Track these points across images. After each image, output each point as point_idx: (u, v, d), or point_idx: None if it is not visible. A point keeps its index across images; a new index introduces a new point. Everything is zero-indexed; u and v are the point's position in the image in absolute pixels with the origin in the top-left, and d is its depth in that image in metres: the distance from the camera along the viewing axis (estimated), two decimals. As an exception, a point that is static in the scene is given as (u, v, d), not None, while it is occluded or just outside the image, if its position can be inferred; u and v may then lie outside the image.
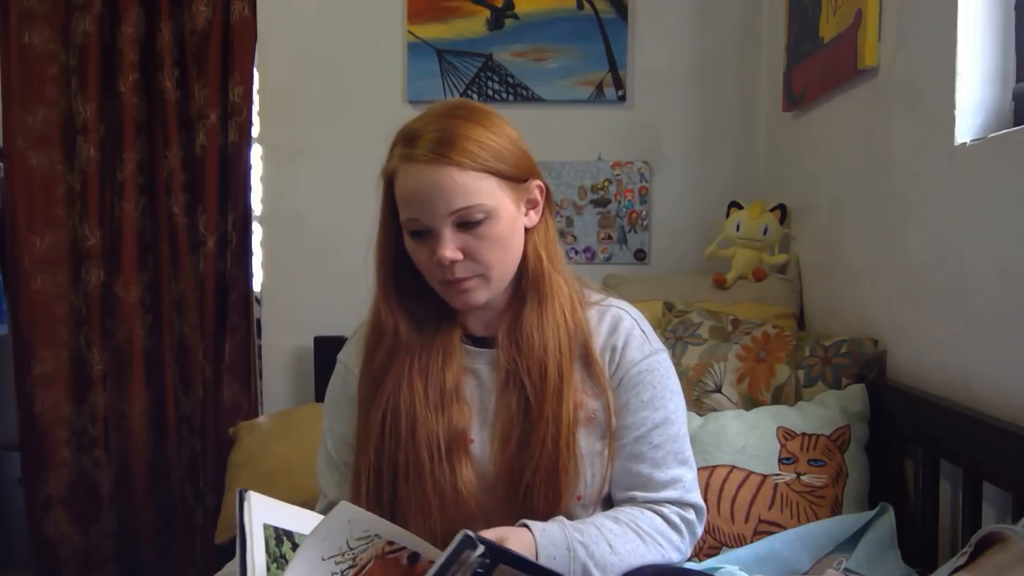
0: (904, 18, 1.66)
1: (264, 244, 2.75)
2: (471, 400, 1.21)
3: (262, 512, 0.97)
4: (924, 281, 1.58)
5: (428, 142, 1.11)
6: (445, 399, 1.18)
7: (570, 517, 1.17)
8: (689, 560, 1.27)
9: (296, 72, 2.69)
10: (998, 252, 1.34)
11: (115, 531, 2.70)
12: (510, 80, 2.65)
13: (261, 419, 2.57)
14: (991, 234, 1.37)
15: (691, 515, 1.23)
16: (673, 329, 2.00)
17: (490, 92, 2.65)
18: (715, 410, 1.81)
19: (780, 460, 1.63)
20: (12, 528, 3.04)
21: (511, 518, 1.15)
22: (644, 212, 2.66)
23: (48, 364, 2.65)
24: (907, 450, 1.66)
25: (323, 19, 2.69)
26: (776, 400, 1.80)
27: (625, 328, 1.23)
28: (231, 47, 2.62)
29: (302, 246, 2.71)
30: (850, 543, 1.50)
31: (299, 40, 2.69)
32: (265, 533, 0.96)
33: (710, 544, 1.59)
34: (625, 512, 1.19)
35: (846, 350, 1.77)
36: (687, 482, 1.23)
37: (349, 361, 1.28)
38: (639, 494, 1.21)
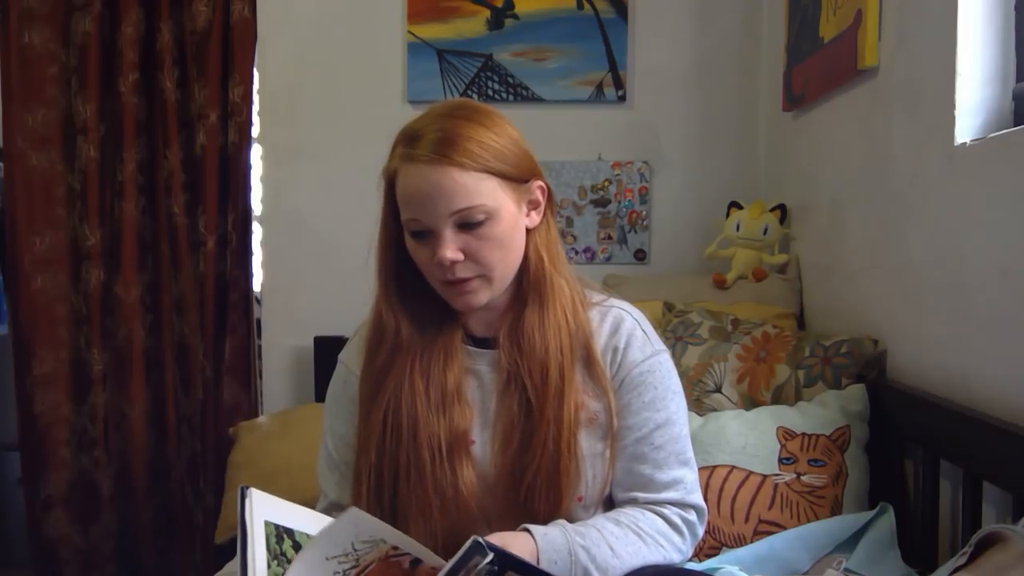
0: (904, 18, 1.66)
1: (264, 244, 2.75)
2: (472, 401, 1.21)
3: (263, 509, 0.97)
4: (924, 281, 1.58)
5: (429, 142, 1.11)
6: (446, 400, 1.18)
7: (571, 518, 1.17)
8: (689, 560, 1.26)
9: (296, 72, 2.69)
10: (998, 252, 1.34)
11: (115, 531, 2.70)
12: (510, 80, 2.65)
13: (261, 419, 2.57)
14: (991, 234, 1.37)
15: (692, 516, 1.23)
16: (673, 329, 2.00)
17: (490, 92, 2.65)
18: (715, 410, 1.81)
19: (780, 460, 1.63)
20: (12, 528, 3.04)
21: (512, 519, 1.15)
22: (644, 212, 2.66)
23: (48, 364, 2.65)
24: (907, 450, 1.66)
25: (323, 19, 2.69)
26: (776, 400, 1.80)
27: (627, 329, 1.23)
28: (231, 47, 2.62)
29: (302, 246, 2.71)
30: (850, 543, 1.50)
31: (299, 40, 2.69)
32: (266, 530, 0.96)
33: (710, 544, 1.59)
34: (626, 514, 1.19)
35: (846, 350, 1.78)
36: (688, 483, 1.23)
37: (350, 361, 1.28)
38: (640, 495, 1.21)
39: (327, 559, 0.91)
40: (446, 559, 0.90)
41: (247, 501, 0.96)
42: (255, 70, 2.66)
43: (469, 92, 2.65)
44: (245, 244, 2.68)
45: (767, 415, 1.70)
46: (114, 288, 2.66)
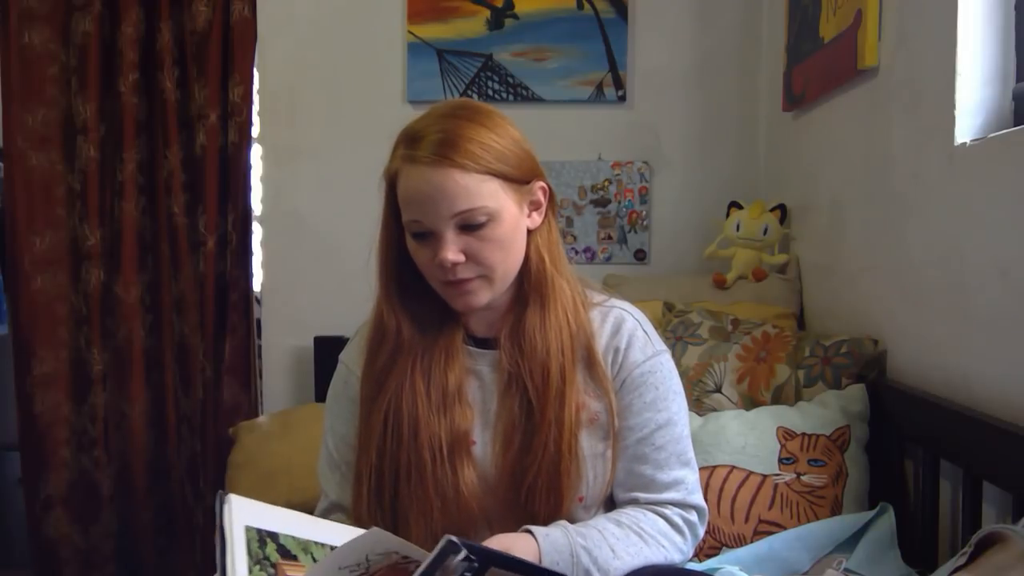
0: (904, 18, 1.66)
1: (264, 244, 2.74)
2: (473, 401, 1.21)
3: (243, 514, 0.97)
4: (924, 281, 1.58)
5: (431, 143, 1.11)
6: (447, 400, 1.18)
7: (572, 519, 1.18)
8: (689, 561, 1.27)
9: (296, 72, 2.69)
10: (998, 252, 1.34)
11: (115, 531, 2.70)
12: (510, 80, 2.65)
13: (261, 419, 2.57)
14: (991, 234, 1.37)
15: (693, 516, 1.23)
16: (673, 329, 2.00)
17: (490, 92, 2.65)
18: (715, 410, 1.81)
19: (780, 460, 1.63)
20: (12, 528, 3.04)
21: (513, 520, 1.15)
22: (644, 212, 2.66)
23: (48, 364, 2.65)
24: (907, 450, 1.66)
25: (323, 19, 2.69)
26: (776, 400, 1.80)
27: (628, 329, 1.23)
28: (231, 47, 2.62)
29: (302, 246, 2.71)
30: (850, 543, 1.50)
31: (299, 40, 2.69)
32: (247, 535, 0.96)
33: (710, 544, 1.59)
34: (627, 514, 1.19)
35: (846, 350, 1.78)
36: (689, 483, 1.23)
37: (351, 361, 1.28)
38: (641, 495, 1.21)
39: (340, 568, 0.91)
40: None
41: (225, 507, 0.96)
42: (255, 70, 2.66)
43: (469, 92, 2.65)
44: (245, 244, 2.67)
45: (767, 415, 1.70)
46: (114, 288, 2.66)
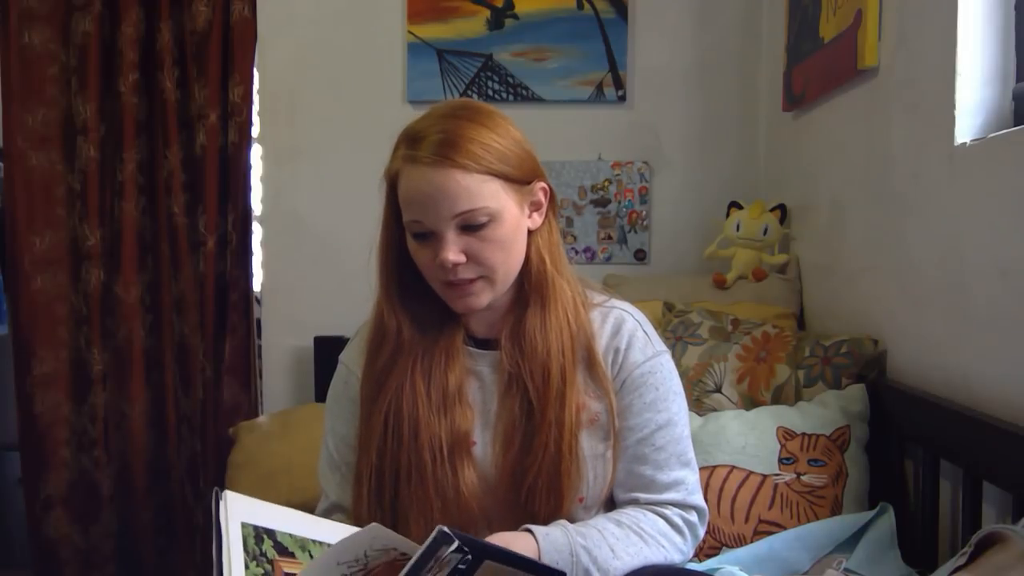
0: (904, 18, 1.66)
1: (264, 244, 2.74)
2: (473, 402, 1.21)
3: (239, 511, 0.98)
4: (924, 281, 1.58)
5: (432, 144, 1.10)
6: (447, 401, 1.18)
7: (572, 519, 1.17)
8: (689, 561, 1.27)
9: (296, 72, 2.69)
10: (998, 252, 1.34)
11: (115, 531, 2.70)
12: (510, 80, 2.65)
13: (261, 419, 2.57)
14: (991, 234, 1.37)
15: (693, 517, 1.23)
16: (673, 329, 2.00)
17: (490, 92, 2.65)
18: (715, 410, 1.81)
19: (780, 460, 1.63)
20: (12, 528, 3.04)
21: (513, 520, 1.15)
22: (644, 212, 2.66)
23: (48, 364, 2.65)
24: (907, 450, 1.66)
25: (323, 19, 2.68)
26: (776, 400, 1.80)
27: (628, 330, 1.23)
28: (231, 47, 2.62)
29: (302, 246, 2.71)
30: (850, 543, 1.50)
31: (299, 40, 2.69)
32: (243, 532, 0.96)
33: (710, 544, 1.59)
34: (627, 514, 1.19)
35: (846, 350, 1.78)
36: (690, 484, 1.23)
37: (351, 362, 1.28)
38: (641, 496, 1.21)
39: (338, 563, 0.91)
40: None
41: (221, 504, 0.97)
42: (255, 70, 2.66)
43: (469, 92, 2.65)
44: (245, 244, 2.67)
45: (767, 415, 1.70)
46: (114, 288, 2.66)
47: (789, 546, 1.50)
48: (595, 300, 1.26)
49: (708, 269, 2.44)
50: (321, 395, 2.07)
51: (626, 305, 1.28)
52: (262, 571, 0.95)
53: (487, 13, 2.64)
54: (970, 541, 1.00)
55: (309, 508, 1.18)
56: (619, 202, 2.66)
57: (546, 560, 1.08)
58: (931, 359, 1.57)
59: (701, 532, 1.24)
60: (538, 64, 2.64)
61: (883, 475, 1.66)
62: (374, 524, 0.91)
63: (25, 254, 2.63)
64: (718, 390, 1.87)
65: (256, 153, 2.71)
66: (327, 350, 2.30)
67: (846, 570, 1.43)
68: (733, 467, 1.63)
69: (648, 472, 1.21)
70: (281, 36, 2.68)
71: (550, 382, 1.17)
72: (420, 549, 0.85)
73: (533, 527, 1.12)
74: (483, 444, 1.20)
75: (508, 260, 1.16)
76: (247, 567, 0.94)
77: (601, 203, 2.67)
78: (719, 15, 2.64)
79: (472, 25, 2.64)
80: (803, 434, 1.64)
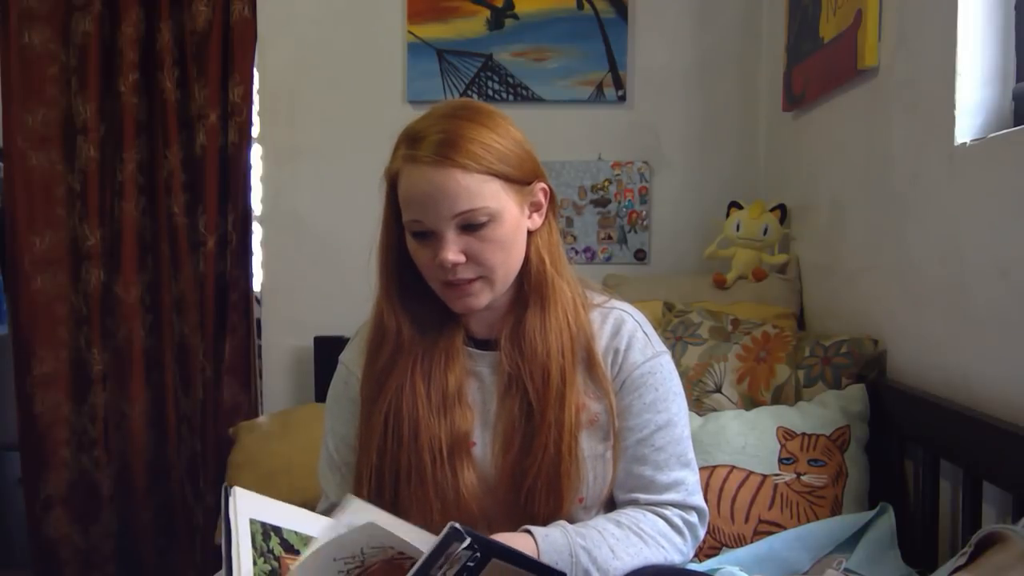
0: (904, 18, 1.66)
1: (264, 244, 2.74)
2: (473, 403, 1.21)
3: (248, 508, 0.98)
4: (924, 281, 1.58)
5: (432, 143, 1.10)
6: (447, 402, 1.18)
7: (572, 519, 1.17)
8: (689, 561, 1.27)
9: (296, 72, 2.69)
10: (998, 252, 1.34)
11: (115, 531, 2.70)
12: (510, 80, 2.65)
13: (261, 419, 2.57)
14: (991, 234, 1.37)
15: (693, 517, 1.23)
16: (673, 329, 2.00)
17: (490, 92, 2.65)
18: (715, 410, 1.81)
19: (780, 460, 1.63)
20: (12, 528, 3.04)
21: (513, 521, 1.15)
22: (644, 212, 2.66)
23: (48, 364, 2.65)
24: (907, 450, 1.66)
25: (323, 19, 2.69)
26: (776, 400, 1.80)
27: (628, 330, 1.23)
28: (231, 47, 2.62)
29: (302, 246, 2.71)
30: (850, 543, 1.50)
31: (299, 40, 2.69)
32: (252, 528, 0.97)
33: (710, 544, 1.59)
34: (627, 515, 1.19)
35: (846, 350, 1.78)
36: (689, 484, 1.23)
37: (351, 362, 1.28)
38: (641, 496, 1.21)
39: (335, 560, 0.91)
40: None
41: (231, 500, 0.97)
42: (255, 70, 2.66)
43: (469, 92, 2.65)
44: (245, 244, 2.67)
45: (767, 415, 1.70)
46: (114, 288, 2.66)
47: (789, 546, 1.50)
48: (595, 300, 1.26)
49: (708, 269, 2.44)
50: (321, 395, 2.07)
51: (626, 306, 1.28)
52: (269, 568, 0.95)
53: (487, 13, 2.64)
54: (970, 541, 1.01)
55: (309, 508, 1.18)
56: (619, 202, 2.66)
57: (545, 561, 1.08)
58: (931, 359, 1.57)
59: (701, 533, 1.24)
60: (538, 64, 2.64)
61: (883, 475, 1.66)
62: (371, 522, 0.92)
63: (25, 254, 2.63)
64: (718, 390, 1.87)
65: (256, 153, 2.71)
66: (327, 350, 2.30)
67: (846, 570, 1.43)
68: (733, 467, 1.63)
69: (648, 473, 1.21)
70: (281, 36, 2.68)
71: (550, 383, 1.17)
72: (433, 543, 0.85)
73: (532, 528, 1.12)
74: (483, 445, 1.20)
75: (508, 260, 1.16)
76: (255, 563, 0.94)
77: (601, 203, 2.67)
78: (719, 15, 2.64)
79: (472, 25, 2.64)
80: (803, 434, 1.64)
